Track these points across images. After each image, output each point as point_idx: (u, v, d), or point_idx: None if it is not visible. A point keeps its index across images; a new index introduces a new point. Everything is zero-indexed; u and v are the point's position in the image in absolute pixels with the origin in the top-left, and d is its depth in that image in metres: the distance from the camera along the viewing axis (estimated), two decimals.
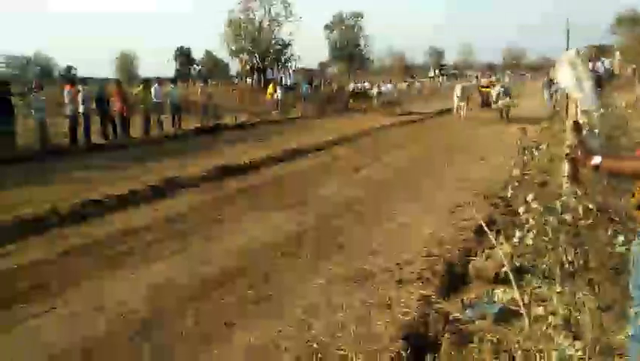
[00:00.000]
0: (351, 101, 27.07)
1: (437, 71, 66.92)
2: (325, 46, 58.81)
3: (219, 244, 5.36)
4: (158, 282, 4.36)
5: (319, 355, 3.15)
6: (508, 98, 16.89)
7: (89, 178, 8.72)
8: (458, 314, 3.51)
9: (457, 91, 18.56)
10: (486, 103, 18.82)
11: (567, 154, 3.87)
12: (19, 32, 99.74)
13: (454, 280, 4.15)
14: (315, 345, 3.27)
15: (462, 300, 3.74)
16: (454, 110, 18.91)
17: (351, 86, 30.93)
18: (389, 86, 27.86)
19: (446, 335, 3.18)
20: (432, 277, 4.21)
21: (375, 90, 26.42)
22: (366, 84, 29.14)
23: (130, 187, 7.50)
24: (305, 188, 7.96)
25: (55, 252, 5.14)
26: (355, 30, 57.48)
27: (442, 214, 6.27)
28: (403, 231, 5.69)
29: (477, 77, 46.61)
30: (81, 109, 12.67)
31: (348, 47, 56.68)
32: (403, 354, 3.04)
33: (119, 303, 3.97)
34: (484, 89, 19.94)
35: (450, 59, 78.44)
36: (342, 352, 3.17)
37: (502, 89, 17.07)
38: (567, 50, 4.64)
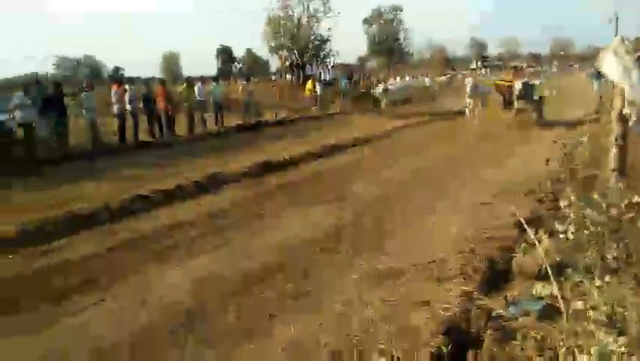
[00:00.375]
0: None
1: (479, 63, 65.28)
2: (364, 40, 58.48)
3: (260, 239, 5.46)
4: (202, 276, 4.50)
5: (359, 349, 3.17)
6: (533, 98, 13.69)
7: (137, 175, 9.07)
8: (501, 311, 3.45)
9: (468, 88, 14.92)
10: (509, 102, 14.49)
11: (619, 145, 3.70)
12: (68, 35, 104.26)
13: (497, 277, 4.08)
14: (354, 339, 3.30)
15: (505, 297, 3.67)
16: (467, 111, 15.25)
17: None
18: (426, 79, 26.95)
19: (488, 331, 3.13)
20: (473, 273, 4.15)
21: (380, 88, 20.90)
22: (407, 78, 28.59)
23: (175, 183, 7.76)
24: (343, 184, 7.98)
25: (104, 246, 5.39)
26: (394, 24, 56.81)
27: (479, 210, 6.15)
28: (443, 227, 5.61)
29: (521, 68, 45.13)
30: (129, 108, 13.15)
31: (387, 40, 56.10)
32: (444, 350, 3.02)
33: (165, 296, 4.13)
34: (503, 83, 15.18)
35: (493, 50, 76.22)
36: (381, 346, 3.19)
37: (524, 85, 13.75)
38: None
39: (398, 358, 3.04)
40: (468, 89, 14.77)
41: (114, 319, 3.77)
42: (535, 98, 13.96)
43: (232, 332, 3.50)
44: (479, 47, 74.47)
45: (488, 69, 56.26)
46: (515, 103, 13.96)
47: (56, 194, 7.60)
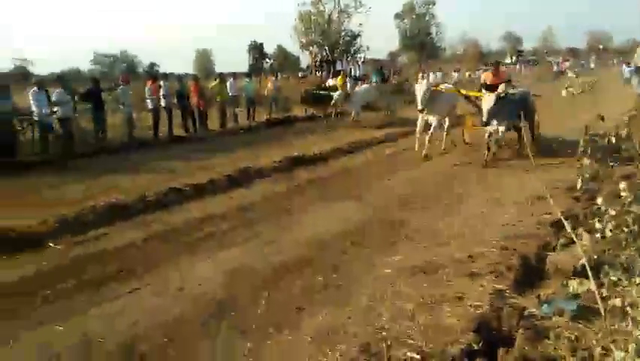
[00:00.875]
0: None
1: (514, 58, 63.68)
2: (395, 35, 57.96)
3: (290, 232, 5.52)
4: (233, 267, 4.58)
5: (388, 343, 3.18)
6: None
7: (171, 168, 9.27)
8: (534, 310, 3.40)
9: (419, 95, 9.10)
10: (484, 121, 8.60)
11: None
12: (107, 31, 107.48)
13: (530, 275, 4.01)
14: (383, 333, 3.31)
15: (538, 295, 3.61)
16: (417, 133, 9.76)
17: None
18: (455, 74, 26.34)
19: (520, 330, 3.09)
20: (506, 270, 4.09)
21: (337, 92, 14.82)
22: (438, 74, 28.13)
23: (207, 177, 7.90)
24: (372, 179, 7.97)
25: (139, 237, 5.55)
26: (427, 18, 56.09)
27: (511, 208, 6.04)
28: (473, 222, 5.56)
29: (558, 64, 43.77)
30: (163, 103, 13.46)
31: (419, 35, 55.42)
32: (475, 347, 3.00)
33: (197, 286, 4.22)
34: (473, 94, 9.93)
35: (529, 45, 74.13)
36: (411, 341, 3.18)
37: (499, 97, 8.27)
38: None
39: (428, 353, 3.04)
40: (419, 98, 9.02)
41: (149, 307, 3.88)
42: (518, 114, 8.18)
43: (262, 323, 3.55)
44: (514, 41, 72.66)
45: (523, 64, 54.83)
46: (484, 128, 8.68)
47: (94, 186, 7.87)
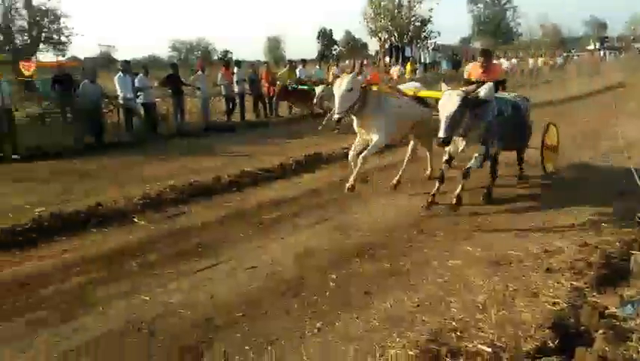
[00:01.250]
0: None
1: (598, 44, 59.33)
2: (467, 20, 55.96)
3: (358, 217, 5.59)
4: (302, 249, 4.72)
5: (458, 333, 3.16)
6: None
7: (243, 152, 9.64)
8: (615, 310, 3.25)
9: (336, 98, 5.60)
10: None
11: None
12: (185, 20, 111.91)
13: (613, 273, 3.81)
14: (453, 323, 3.29)
15: (621, 295, 3.44)
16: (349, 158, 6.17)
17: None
18: (530, 60, 24.99)
19: (600, 330, 2.96)
20: (586, 267, 3.91)
21: (319, 88, 11.51)
22: (513, 61, 26.77)
23: (278, 161, 8.13)
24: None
25: (216, 216, 5.85)
26: (502, 2, 53.53)
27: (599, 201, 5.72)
28: (550, 217, 5.36)
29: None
30: (236, 89, 13.90)
31: (493, 20, 53.09)
32: (550, 344, 2.92)
33: (269, 265, 4.41)
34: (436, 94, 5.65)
35: (614, 31, 68.57)
36: (482, 333, 3.15)
37: (466, 97, 4.94)
38: None
39: (500, 347, 2.99)
40: (336, 103, 5.69)
41: (224, 283, 4.09)
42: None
43: (331, 304, 3.64)
44: (598, 27, 67.61)
45: (607, 51, 50.93)
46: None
47: (173, 167, 8.34)
